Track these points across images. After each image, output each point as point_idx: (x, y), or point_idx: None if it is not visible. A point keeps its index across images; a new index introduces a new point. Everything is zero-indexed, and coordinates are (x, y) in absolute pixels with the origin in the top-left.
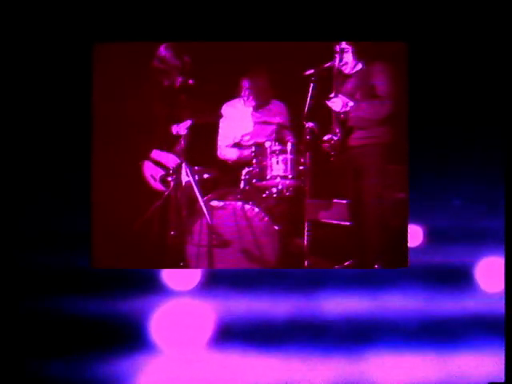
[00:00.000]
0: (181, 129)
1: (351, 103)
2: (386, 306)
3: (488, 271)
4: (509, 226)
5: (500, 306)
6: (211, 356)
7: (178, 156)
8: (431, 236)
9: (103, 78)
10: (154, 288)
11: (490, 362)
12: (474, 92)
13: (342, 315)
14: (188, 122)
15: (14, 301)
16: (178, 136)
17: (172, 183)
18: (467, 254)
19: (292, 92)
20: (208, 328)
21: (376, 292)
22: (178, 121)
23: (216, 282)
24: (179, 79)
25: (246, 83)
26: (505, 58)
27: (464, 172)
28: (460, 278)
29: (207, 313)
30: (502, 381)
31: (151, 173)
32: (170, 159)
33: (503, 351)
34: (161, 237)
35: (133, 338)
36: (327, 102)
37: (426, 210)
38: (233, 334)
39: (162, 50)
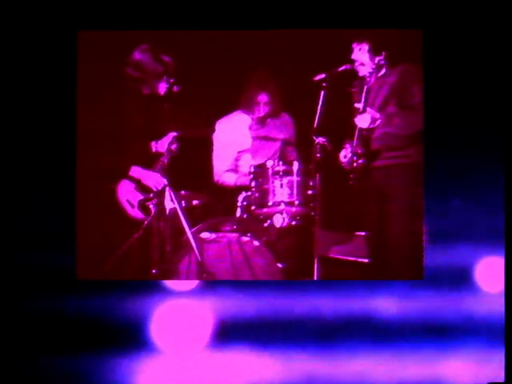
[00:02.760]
0: (161, 146)
1: (380, 119)
2: (386, 306)
3: (488, 271)
4: (509, 225)
5: (500, 306)
6: (211, 356)
7: (162, 175)
8: (431, 236)
9: (88, 70)
10: (153, 288)
11: (490, 362)
12: (477, 91)
13: (341, 315)
14: (170, 137)
15: (14, 301)
16: (159, 154)
17: (153, 210)
18: (467, 254)
19: (299, 101)
20: (208, 328)
21: (375, 292)
22: (160, 136)
23: (216, 282)
24: (163, 85)
25: (263, 98)
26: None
27: (464, 172)
28: (460, 278)
29: (207, 313)
30: (502, 381)
31: (127, 197)
32: (152, 178)
33: (503, 351)
34: (140, 275)
35: (132, 339)
36: (356, 117)
37: (425, 209)
38: (232, 335)
39: (137, 54)
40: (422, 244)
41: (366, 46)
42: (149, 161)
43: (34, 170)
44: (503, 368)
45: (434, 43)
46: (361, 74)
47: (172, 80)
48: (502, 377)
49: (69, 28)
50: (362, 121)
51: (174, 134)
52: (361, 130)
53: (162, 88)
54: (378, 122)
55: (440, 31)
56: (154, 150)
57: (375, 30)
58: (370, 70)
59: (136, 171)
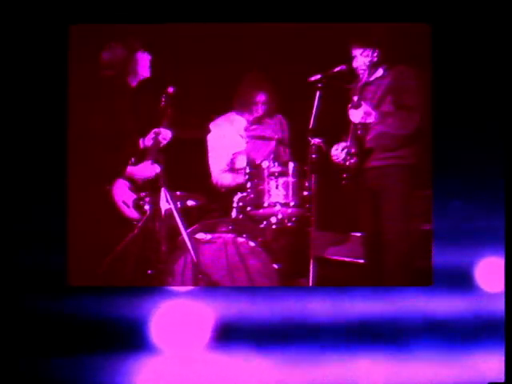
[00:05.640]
0: (148, 141)
1: (374, 115)
2: (385, 306)
3: (488, 271)
4: (509, 225)
5: (500, 306)
6: (211, 357)
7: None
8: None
9: (81, 66)
10: (152, 289)
11: (489, 362)
12: (481, 90)
13: (341, 316)
14: (153, 132)
15: (15, 300)
16: (146, 150)
17: (148, 209)
18: (467, 254)
19: (294, 101)
20: (208, 329)
21: (375, 292)
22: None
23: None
24: (143, 67)
25: (262, 97)
26: None
27: (464, 172)
28: (460, 278)
29: (207, 313)
30: (502, 381)
31: (123, 198)
32: (144, 168)
33: (503, 351)
34: (135, 276)
35: (132, 339)
36: (350, 109)
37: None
38: (233, 335)
39: (105, 54)
40: (430, 250)
41: (366, 46)
42: (141, 158)
43: (25, 170)
44: (503, 368)
45: (443, 38)
46: (358, 72)
47: (149, 56)
48: (501, 377)
49: (60, 22)
50: (355, 114)
51: (157, 129)
52: (355, 128)
53: (145, 70)
54: (372, 119)
55: (449, 26)
56: (141, 146)
57: (377, 24)
58: (364, 68)
59: (129, 170)
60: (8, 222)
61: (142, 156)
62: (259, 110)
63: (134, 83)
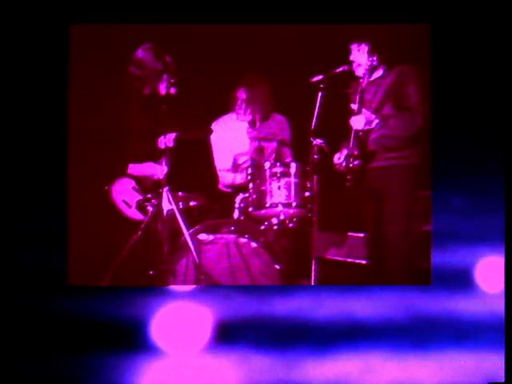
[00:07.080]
0: (168, 141)
1: (376, 120)
2: (386, 306)
3: (488, 271)
4: (509, 225)
5: (500, 306)
6: (212, 357)
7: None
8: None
9: (81, 66)
10: (153, 289)
11: (489, 362)
12: (481, 90)
13: (341, 315)
14: (174, 134)
15: (15, 300)
16: (164, 150)
17: (151, 210)
18: (467, 254)
19: (296, 102)
20: (208, 329)
21: (375, 291)
22: (159, 134)
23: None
24: (163, 85)
25: (242, 94)
26: None
27: (464, 172)
28: (460, 278)
29: (207, 314)
30: (502, 381)
31: (124, 197)
32: (152, 168)
33: (503, 351)
34: (137, 277)
35: (133, 339)
36: (351, 119)
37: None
38: (233, 335)
39: (140, 53)
40: (429, 250)
41: (365, 47)
42: (145, 160)
43: (25, 170)
44: (503, 368)
45: (443, 38)
46: (357, 75)
47: (173, 80)
48: (502, 377)
49: (60, 22)
50: (357, 122)
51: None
52: (357, 131)
53: (163, 88)
54: (373, 124)
55: (449, 26)
56: (162, 145)
57: (377, 25)
58: (364, 72)
59: (133, 168)
60: (8, 222)
61: (144, 157)
62: (242, 106)
63: (147, 91)
